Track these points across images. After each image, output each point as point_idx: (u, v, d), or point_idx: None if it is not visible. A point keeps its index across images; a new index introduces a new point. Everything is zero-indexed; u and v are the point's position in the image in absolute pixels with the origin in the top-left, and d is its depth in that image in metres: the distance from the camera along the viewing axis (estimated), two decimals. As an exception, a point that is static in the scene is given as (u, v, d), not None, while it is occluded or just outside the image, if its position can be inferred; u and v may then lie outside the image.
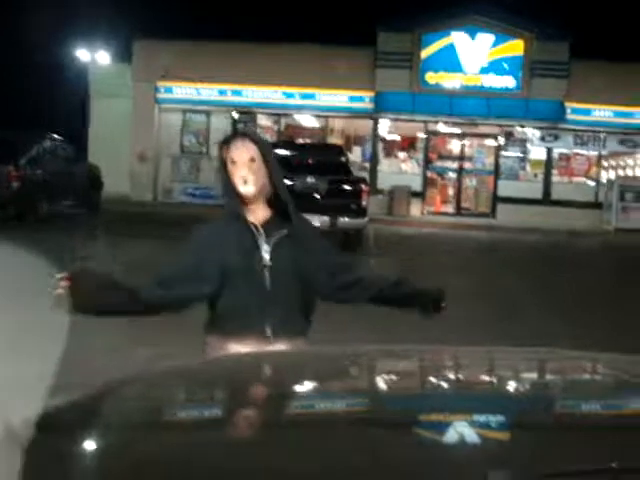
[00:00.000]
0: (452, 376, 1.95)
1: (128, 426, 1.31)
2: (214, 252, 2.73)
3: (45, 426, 1.20)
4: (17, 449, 0.90)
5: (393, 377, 1.90)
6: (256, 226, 2.75)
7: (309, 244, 2.80)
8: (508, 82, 21.80)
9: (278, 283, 2.71)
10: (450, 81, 21.79)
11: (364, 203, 13.81)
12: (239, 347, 2.61)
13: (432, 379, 1.89)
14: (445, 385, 1.80)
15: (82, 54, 24.32)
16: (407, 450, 1.19)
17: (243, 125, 22.80)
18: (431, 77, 21.78)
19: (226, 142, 2.79)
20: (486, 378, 1.93)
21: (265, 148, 2.82)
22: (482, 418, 1.44)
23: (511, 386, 1.81)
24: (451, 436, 1.29)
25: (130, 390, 1.56)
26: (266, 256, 2.71)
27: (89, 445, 1.24)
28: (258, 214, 2.78)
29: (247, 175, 2.72)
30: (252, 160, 2.74)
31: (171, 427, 1.37)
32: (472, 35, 21.65)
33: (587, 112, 21.67)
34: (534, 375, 1.96)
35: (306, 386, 1.75)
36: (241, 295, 2.71)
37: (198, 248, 2.81)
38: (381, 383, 1.87)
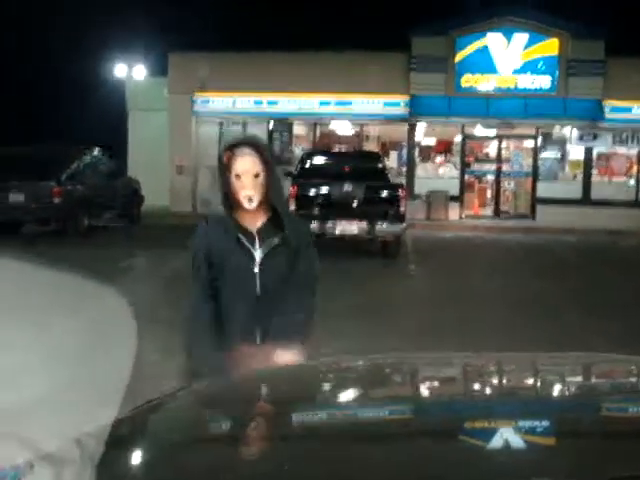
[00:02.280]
0: (497, 382, 1.95)
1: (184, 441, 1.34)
2: (212, 254, 2.80)
3: (112, 443, 1.24)
4: (88, 464, 0.93)
5: (440, 384, 1.90)
6: (251, 232, 2.79)
7: (300, 251, 2.83)
8: (544, 82, 21.58)
9: (268, 289, 2.74)
10: (485, 83, 21.64)
11: (402, 209, 13.78)
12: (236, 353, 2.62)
13: (477, 386, 1.89)
14: (490, 392, 1.81)
15: (119, 69, 24.68)
16: (454, 458, 1.20)
17: (280, 134, 22.91)
18: (466, 80, 21.66)
19: (231, 149, 2.77)
20: (530, 384, 1.93)
21: (269, 157, 2.83)
22: (528, 424, 1.44)
23: (557, 391, 1.81)
24: (497, 442, 1.29)
25: (182, 405, 1.60)
26: (257, 262, 2.74)
27: (147, 460, 1.27)
28: (253, 220, 2.81)
29: (253, 194, 2.73)
30: (257, 176, 2.75)
31: (219, 442, 1.40)
32: (506, 36, 21.49)
33: (626, 110, 21.34)
34: (579, 380, 1.95)
35: (345, 396, 1.76)
36: (231, 300, 2.74)
37: (203, 244, 2.87)
38: (426, 390, 1.88)
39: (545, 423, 1.48)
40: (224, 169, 2.80)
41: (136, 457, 1.24)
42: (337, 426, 1.49)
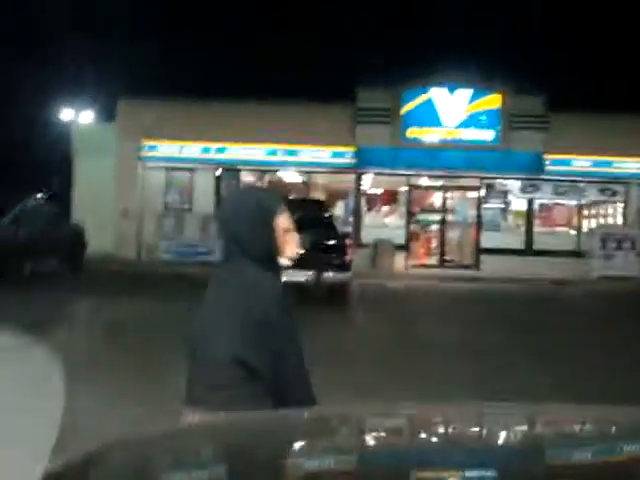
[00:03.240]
0: (442, 432, 1.96)
1: None
2: None
3: None
4: None
5: (385, 435, 1.90)
6: None
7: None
8: (487, 135, 22.13)
9: None
10: (430, 135, 22.09)
11: (348, 258, 13.88)
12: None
13: (423, 435, 1.90)
14: (436, 441, 1.81)
15: (66, 113, 24.51)
16: None
17: (227, 182, 22.93)
18: (411, 132, 22.08)
19: (280, 208, 2.59)
20: (477, 433, 1.94)
21: None
22: (474, 473, 1.44)
23: (502, 440, 1.82)
24: None
25: (121, 454, 1.56)
26: None
27: None
28: None
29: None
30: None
31: None
32: (450, 90, 22.03)
33: (566, 163, 21.99)
34: (525, 429, 1.96)
35: (301, 446, 1.74)
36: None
37: None
38: (372, 441, 1.87)
39: (492, 473, 1.49)
40: (269, 227, 2.52)
41: None
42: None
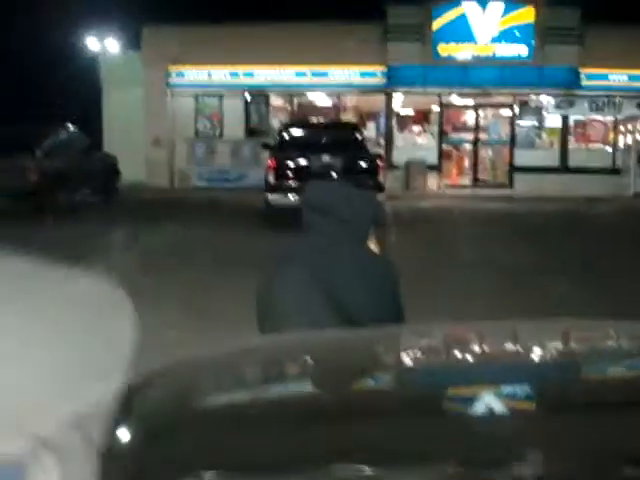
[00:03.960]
0: (478, 349, 1.97)
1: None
2: None
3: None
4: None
5: (419, 354, 1.92)
6: None
7: None
8: (521, 50, 21.57)
9: None
10: (462, 52, 21.59)
11: (381, 179, 13.81)
12: None
13: (457, 354, 1.91)
14: (471, 359, 1.82)
15: (92, 43, 24.31)
16: (439, 427, 1.21)
17: (256, 107, 22.78)
18: (443, 49, 21.59)
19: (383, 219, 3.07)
20: (514, 350, 1.95)
21: None
22: (509, 390, 1.45)
23: (537, 356, 1.83)
24: (480, 409, 1.29)
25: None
26: None
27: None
28: None
29: None
30: None
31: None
32: (482, 4, 21.41)
33: (602, 77, 21.42)
34: (563, 345, 1.96)
35: (332, 367, 1.76)
36: None
37: None
38: (406, 360, 1.89)
39: (529, 389, 1.49)
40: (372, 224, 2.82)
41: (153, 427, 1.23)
42: (316, 400, 1.49)
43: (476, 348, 1.99)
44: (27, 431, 0.70)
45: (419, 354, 1.92)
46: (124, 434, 1.14)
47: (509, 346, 1.99)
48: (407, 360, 1.88)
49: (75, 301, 0.74)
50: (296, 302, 2.57)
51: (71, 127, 17.37)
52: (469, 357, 1.88)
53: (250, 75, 21.95)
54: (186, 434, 1.20)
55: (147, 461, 1.05)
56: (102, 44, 23.99)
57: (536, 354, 1.85)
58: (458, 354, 1.92)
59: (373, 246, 2.80)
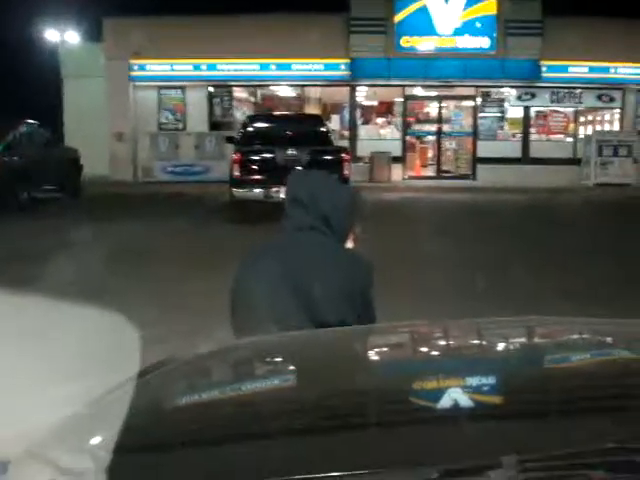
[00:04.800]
0: (443, 346, 2.00)
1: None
2: None
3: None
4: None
5: (385, 351, 1.95)
6: None
7: None
8: (483, 42, 21.74)
9: None
10: (425, 44, 21.70)
11: (346, 172, 13.81)
12: None
13: (423, 351, 1.94)
14: (436, 354, 1.85)
15: (51, 34, 23.95)
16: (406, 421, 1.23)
17: (219, 100, 22.67)
18: (406, 41, 21.68)
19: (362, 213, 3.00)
20: (477, 347, 1.98)
21: None
22: (474, 399, 1.46)
23: (502, 351, 1.86)
24: (445, 402, 1.31)
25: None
26: None
27: None
28: None
29: None
30: None
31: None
32: (444, -4, 21.55)
33: (563, 69, 21.69)
34: (526, 342, 2.00)
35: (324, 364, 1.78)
36: None
37: None
38: (374, 357, 1.92)
39: (492, 382, 1.51)
40: (354, 220, 2.79)
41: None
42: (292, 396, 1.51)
43: (442, 345, 2.02)
44: (50, 462, 0.73)
45: (387, 353, 1.95)
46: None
47: (474, 343, 2.03)
48: (377, 359, 1.90)
49: (87, 338, 0.76)
50: (266, 296, 2.54)
51: (31, 121, 17.10)
52: (436, 354, 1.91)
53: (213, 68, 21.82)
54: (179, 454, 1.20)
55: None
56: (62, 35, 23.66)
57: (499, 351, 1.89)
58: (425, 351, 1.95)
59: (351, 244, 2.76)
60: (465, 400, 1.38)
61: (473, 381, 1.51)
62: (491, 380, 1.54)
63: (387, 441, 1.18)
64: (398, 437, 1.20)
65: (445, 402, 1.32)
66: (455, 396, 1.35)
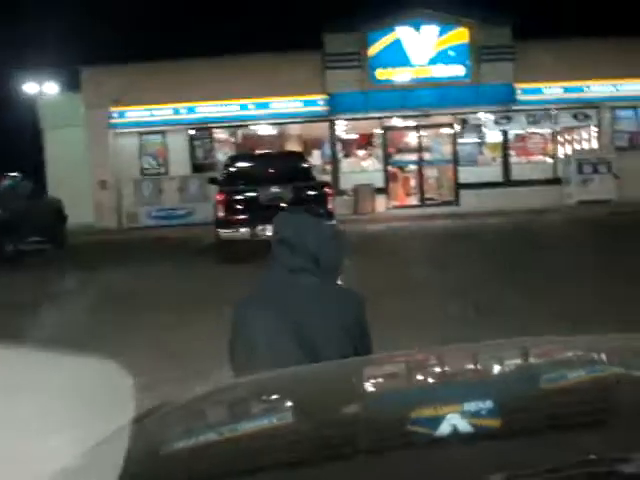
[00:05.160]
0: (440, 374, 2.03)
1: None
2: None
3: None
4: None
5: (385, 381, 1.98)
6: None
7: None
8: (457, 70, 22.03)
9: None
10: (400, 75, 21.96)
11: (330, 206, 13.88)
12: None
13: (420, 379, 1.97)
14: (434, 382, 1.88)
15: (29, 87, 24.04)
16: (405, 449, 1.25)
17: (200, 142, 22.78)
18: (381, 73, 21.94)
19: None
20: (474, 372, 2.00)
21: None
22: (473, 410, 1.49)
23: (499, 375, 1.89)
24: (445, 430, 1.33)
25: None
26: None
27: None
28: None
29: None
30: None
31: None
32: (417, 28, 21.85)
33: (537, 91, 21.99)
34: (522, 364, 2.03)
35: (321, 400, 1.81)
36: None
37: None
38: (371, 388, 1.94)
39: (491, 407, 1.53)
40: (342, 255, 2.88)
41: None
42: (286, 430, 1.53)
43: (434, 372, 2.04)
44: None
45: (386, 382, 1.97)
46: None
47: (471, 368, 2.05)
48: (372, 390, 1.93)
49: (80, 385, 0.79)
50: (266, 342, 2.59)
51: (14, 174, 17.12)
52: (433, 381, 1.93)
53: (193, 110, 21.96)
54: None
55: None
56: (40, 87, 23.75)
57: (496, 374, 1.92)
58: (423, 379, 1.97)
59: (340, 279, 2.82)
60: (457, 424, 1.39)
61: (464, 406, 1.53)
62: (481, 404, 1.56)
63: (379, 469, 1.20)
64: (393, 464, 1.22)
65: (439, 427, 1.34)
66: (449, 421, 1.37)
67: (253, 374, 2.39)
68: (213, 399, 1.82)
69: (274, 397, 1.85)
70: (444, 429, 1.33)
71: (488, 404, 1.57)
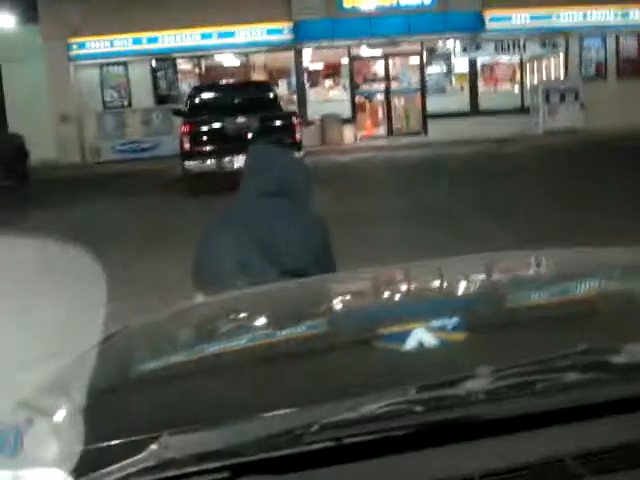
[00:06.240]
0: (406, 290, 2.02)
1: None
2: None
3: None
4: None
5: (350, 298, 1.97)
6: None
7: None
8: (424, -3, 21.68)
9: None
10: (367, 3, 21.56)
11: (298, 136, 13.75)
12: None
13: (386, 295, 1.97)
14: (401, 299, 1.88)
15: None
16: (373, 362, 1.25)
17: (163, 73, 22.33)
18: (348, 1, 21.52)
19: None
20: (440, 286, 2.02)
21: None
22: (441, 324, 1.50)
23: (465, 290, 1.90)
24: (415, 344, 1.33)
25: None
26: None
27: None
28: None
29: None
30: None
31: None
32: (383, -47, 21.38)
33: (506, 19, 21.77)
34: (484, 277, 2.04)
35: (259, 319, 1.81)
36: None
37: None
38: (342, 306, 1.94)
39: (455, 320, 1.54)
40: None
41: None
42: (253, 346, 1.51)
43: (405, 288, 2.05)
44: (23, 400, 0.75)
45: (355, 297, 1.98)
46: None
47: (436, 283, 2.07)
48: (346, 304, 1.92)
49: (49, 268, 0.75)
50: (233, 251, 2.69)
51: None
52: (399, 297, 1.94)
53: (154, 41, 21.43)
54: (137, 398, 1.20)
55: (104, 429, 1.05)
56: (-5, 19, 22.96)
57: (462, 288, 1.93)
58: (389, 295, 1.98)
59: (308, 207, 2.95)
60: (436, 330, 1.42)
61: (442, 316, 1.55)
62: (460, 313, 1.57)
63: (361, 369, 1.21)
64: (373, 365, 1.23)
65: (416, 334, 1.34)
66: (425, 329, 1.39)
67: (219, 284, 2.42)
68: (182, 318, 1.80)
69: (241, 315, 1.83)
70: (417, 335, 1.33)
71: (461, 313, 1.58)
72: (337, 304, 1.95)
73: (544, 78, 23.12)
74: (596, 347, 1.03)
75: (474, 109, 22.56)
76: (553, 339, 1.20)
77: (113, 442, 0.96)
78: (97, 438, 0.97)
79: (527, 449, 0.89)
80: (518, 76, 23.23)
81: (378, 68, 23.09)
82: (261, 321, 1.77)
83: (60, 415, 1.06)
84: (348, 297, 1.99)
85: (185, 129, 13.69)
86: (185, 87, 21.37)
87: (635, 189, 9.77)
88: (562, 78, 22.80)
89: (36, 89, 21.25)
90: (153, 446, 0.90)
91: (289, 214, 2.81)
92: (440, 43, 22.55)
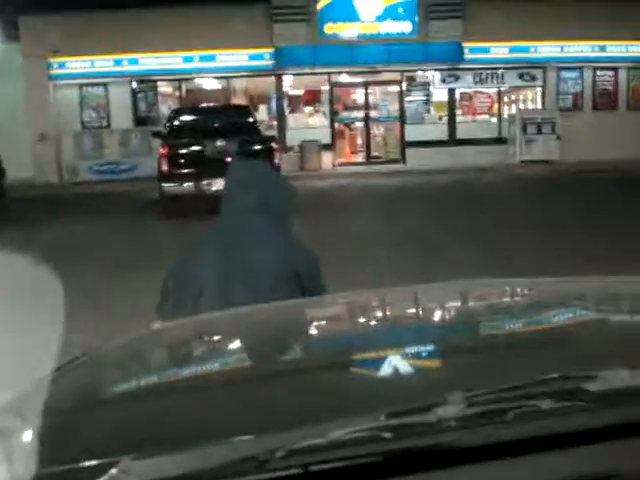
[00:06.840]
0: (380, 315, 2.01)
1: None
2: None
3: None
4: None
5: (324, 323, 1.95)
6: None
7: None
8: (405, 27, 21.90)
9: None
10: (348, 30, 21.75)
11: (277, 161, 13.74)
12: None
13: (361, 320, 1.96)
14: (375, 324, 1.87)
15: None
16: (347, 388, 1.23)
17: (143, 95, 22.31)
18: (329, 28, 21.70)
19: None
20: (415, 312, 2.01)
21: None
22: (414, 350, 1.48)
23: (439, 317, 1.89)
24: (387, 369, 1.32)
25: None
26: None
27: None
28: None
29: None
30: None
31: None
32: (366, -18, 21.62)
33: (485, 50, 22.05)
34: (459, 303, 2.04)
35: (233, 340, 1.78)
36: None
37: None
38: (312, 330, 1.92)
39: (430, 347, 1.53)
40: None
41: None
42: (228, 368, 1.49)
43: (381, 313, 2.04)
44: None
45: (329, 322, 1.96)
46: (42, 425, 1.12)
47: (411, 309, 2.06)
48: (319, 328, 1.90)
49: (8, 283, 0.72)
50: (213, 281, 2.55)
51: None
52: (375, 322, 1.93)
53: (135, 62, 21.44)
54: (97, 422, 1.17)
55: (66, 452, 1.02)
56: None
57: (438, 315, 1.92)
58: (366, 320, 1.97)
59: (291, 230, 2.83)
60: (410, 357, 1.41)
61: (416, 342, 1.54)
62: (434, 339, 1.57)
63: (332, 395, 1.18)
64: (345, 391, 1.20)
65: (390, 360, 1.34)
66: (399, 355, 1.39)
67: (194, 312, 2.35)
68: (144, 344, 1.76)
69: (208, 339, 1.81)
70: (397, 361, 1.33)
71: (443, 336, 1.58)
72: (311, 328, 1.93)
73: (522, 109, 23.39)
74: (570, 374, 1.02)
75: (452, 138, 22.75)
76: (527, 366, 1.19)
77: (70, 466, 0.92)
78: (53, 462, 0.94)
79: (497, 478, 0.87)
80: (496, 107, 23.50)
81: (358, 96, 23.25)
82: (228, 344, 1.74)
83: (14, 438, 1.03)
84: (322, 322, 1.97)
85: (164, 151, 13.65)
86: (165, 109, 21.36)
87: (607, 218, 9.92)
88: (539, 109, 23.08)
89: (15, 107, 21.12)
90: (113, 470, 0.87)
91: (275, 241, 2.68)
92: (420, 72, 22.77)
